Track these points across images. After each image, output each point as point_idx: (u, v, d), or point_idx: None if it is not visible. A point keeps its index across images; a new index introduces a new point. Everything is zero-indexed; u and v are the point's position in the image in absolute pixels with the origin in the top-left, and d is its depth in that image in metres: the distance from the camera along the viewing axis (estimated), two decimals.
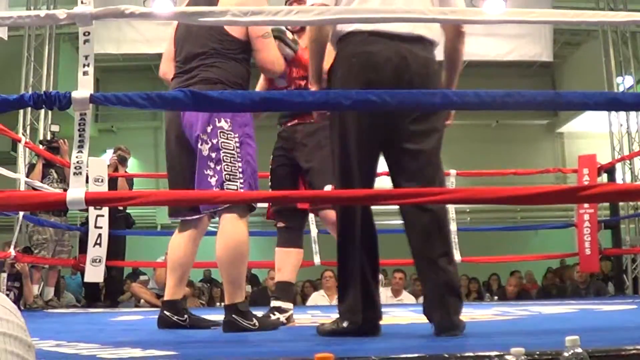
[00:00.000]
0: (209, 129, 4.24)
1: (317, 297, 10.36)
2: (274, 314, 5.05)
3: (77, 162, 3.19)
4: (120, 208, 9.44)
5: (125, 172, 10.62)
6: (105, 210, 8.43)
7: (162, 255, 10.01)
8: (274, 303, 5.16)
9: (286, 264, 5.28)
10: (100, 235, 8.34)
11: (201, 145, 4.26)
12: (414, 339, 3.63)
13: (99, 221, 8.32)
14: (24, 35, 13.14)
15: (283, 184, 5.24)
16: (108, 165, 9.33)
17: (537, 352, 2.41)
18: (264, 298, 10.17)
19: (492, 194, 3.41)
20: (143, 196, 3.24)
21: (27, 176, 8.79)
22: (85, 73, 3.24)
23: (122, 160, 10.41)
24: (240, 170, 4.23)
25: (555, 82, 21.53)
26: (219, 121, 4.24)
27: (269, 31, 4.50)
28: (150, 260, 10.68)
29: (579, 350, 2.18)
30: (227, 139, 4.24)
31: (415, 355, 2.42)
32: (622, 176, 13.61)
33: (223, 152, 4.22)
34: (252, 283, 15.55)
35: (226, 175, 4.19)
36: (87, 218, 8.97)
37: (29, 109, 12.35)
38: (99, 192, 3.40)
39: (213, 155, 4.23)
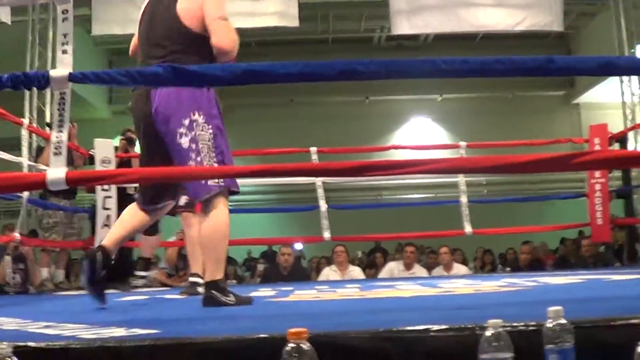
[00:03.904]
0: (186, 122, 4.33)
1: (329, 272, 10.34)
2: None
3: (57, 142, 3.15)
4: (130, 192, 9.38)
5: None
6: (113, 192, 8.41)
7: (172, 235, 10.01)
8: None
9: None
10: (108, 216, 8.32)
11: (180, 138, 4.34)
12: (406, 312, 3.59)
13: (107, 202, 8.31)
14: (28, 20, 13.13)
15: None
16: (117, 148, 9.30)
17: (522, 324, 2.35)
18: (277, 274, 10.13)
19: (484, 162, 3.35)
20: (125, 174, 3.21)
21: (36, 160, 8.78)
22: (64, 52, 3.21)
23: (131, 142, 10.33)
24: (215, 160, 4.34)
25: (572, 54, 21.39)
26: (194, 114, 4.33)
27: (226, 15, 4.53)
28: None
29: (563, 321, 2.13)
30: (202, 130, 4.34)
31: (394, 328, 2.37)
32: (635, 145, 13.50)
33: (201, 144, 4.32)
34: (269, 260, 15.52)
35: (207, 165, 4.29)
36: None
37: (36, 92, 12.38)
38: (81, 172, 3.40)
39: (193, 146, 4.32)
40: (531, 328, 2.33)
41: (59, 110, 3.17)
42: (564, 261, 12.37)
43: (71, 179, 3.18)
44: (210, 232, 4.33)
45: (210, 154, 4.32)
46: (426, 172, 3.41)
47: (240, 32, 15.51)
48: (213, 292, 4.24)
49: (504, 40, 19.24)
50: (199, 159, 4.29)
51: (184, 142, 4.33)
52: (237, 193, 4.52)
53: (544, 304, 2.88)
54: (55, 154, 3.14)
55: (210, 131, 4.36)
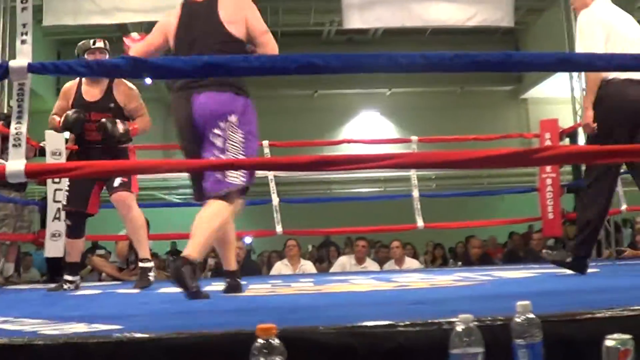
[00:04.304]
0: (222, 125, 4.59)
1: (281, 267, 10.32)
2: None
3: (16, 133, 3.10)
4: None
5: None
6: (64, 184, 8.31)
7: (123, 228, 9.91)
8: None
9: None
10: (59, 209, 8.22)
11: (213, 138, 4.59)
12: (367, 307, 3.59)
13: (58, 195, 8.20)
14: None
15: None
16: (67, 140, 9.18)
17: (489, 318, 2.35)
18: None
19: (447, 157, 3.35)
20: (83, 167, 3.15)
21: None
22: (23, 42, 3.16)
23: None
24: None
25: (520, 49, 21.52)
26: (230, 116, 4.60)
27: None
28: (110, 234, 10.53)
29: (531, 315, 2.14)
30: (234, 132, 4.60)
31: (361, 324, 2.36)
32: (585, 140, 13.59)
33: (228, 143, 4.57)
34: (218, 254, 15.44)
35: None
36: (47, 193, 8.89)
37: None
38: (40, 164, 3.36)
39: (220, 145, 4.58)
40: (499, 323, 2.33)
41: (18, 101, 3.12)
42: (512, 255, 12.46)
43: (30, 172, 3.13)
44: (214, 217, 4.51)
45: (237, 156, 4.55)
46: (387, 167, 3.42)
47: (108, 28, 15.06)
48: (184, 268, 4.22)
49: (453, 35, 19.29)
50: (222, 156, 4.53)
51: (217, 141, 4.58)
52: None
53: (504, 298, 2.90)
54: (15, 145, 3.08)
55: (242, 135, 4.62)
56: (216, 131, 4.57)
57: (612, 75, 5.36)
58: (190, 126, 4.64)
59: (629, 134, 5.31)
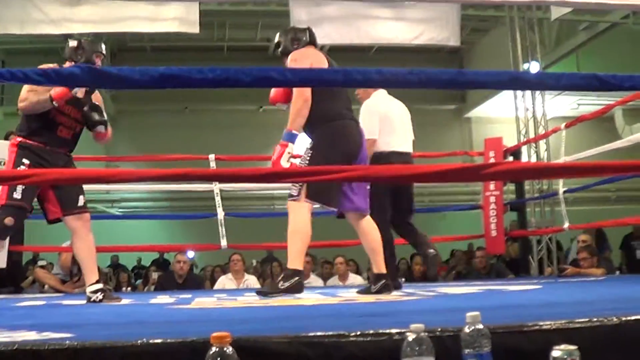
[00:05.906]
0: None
1: (225, 281, 10.28)
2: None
3: None
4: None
5: None
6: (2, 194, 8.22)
7: (67, 240, 9.82)
8: None
9: None
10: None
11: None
12: (317, 319, 3.61)
13: None
14: None
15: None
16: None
17: (439, 329, 2.39)
18: (171, 282, 10.04)
19: (396, 171, 3.39)
20: (37, 175, 3.14)
21: None
22: None
23: None
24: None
25: (464, 68, 21.71)
26: None
27: None
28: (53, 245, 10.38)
29: (480, 326, 2.18)
30: None
31: (314, 333, 2.39)
32: (528, 159, 13.75)
33: None
34: (161, 268, 15.37)
35: None
36: None
37: None
38: None
39: None
40: (448, 333, 2.37)
41: None
42: (455, 272, 12.54)
43: None
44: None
45: None
46: (339, 180, 3.45)
47: (137, 37, 15.21)
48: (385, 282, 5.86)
49: (398, 54, 19.35)
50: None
51: None
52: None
53: (452, 311, 2.93)
54: None
55: None
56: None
57: (381, 149, 6.95)
58: (358, 151, 5.73)
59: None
